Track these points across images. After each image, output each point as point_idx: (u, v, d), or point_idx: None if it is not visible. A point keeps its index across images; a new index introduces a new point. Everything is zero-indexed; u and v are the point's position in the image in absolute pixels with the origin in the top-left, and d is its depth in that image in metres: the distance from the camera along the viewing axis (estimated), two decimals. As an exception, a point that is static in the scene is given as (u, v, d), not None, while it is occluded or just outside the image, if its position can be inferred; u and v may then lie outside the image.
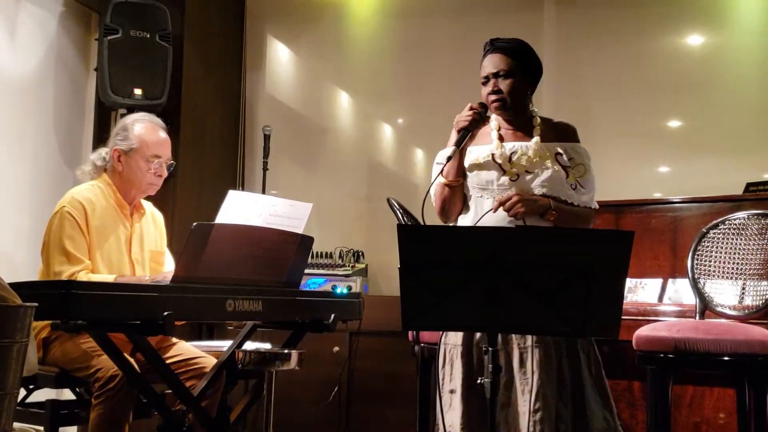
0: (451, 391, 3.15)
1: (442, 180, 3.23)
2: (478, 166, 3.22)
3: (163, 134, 3.66)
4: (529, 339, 3.04)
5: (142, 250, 3.63)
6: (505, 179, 3.16)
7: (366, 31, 6.33)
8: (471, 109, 3.17)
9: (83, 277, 3.27)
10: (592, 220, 3.26)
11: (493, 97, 3.20)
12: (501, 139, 3.25)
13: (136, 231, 3.63)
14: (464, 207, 3.27)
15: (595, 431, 3.03)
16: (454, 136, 3.19)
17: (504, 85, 3.20)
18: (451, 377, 3.17)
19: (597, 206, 3.28)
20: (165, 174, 3.65)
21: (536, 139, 3.22)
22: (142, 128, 3.61)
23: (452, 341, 3.18)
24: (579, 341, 3.10)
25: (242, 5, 6.45)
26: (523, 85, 3.24)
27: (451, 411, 3.13)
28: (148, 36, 5.13)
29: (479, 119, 3.16)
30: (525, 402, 3.01)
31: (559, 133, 3.27)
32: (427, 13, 6.14)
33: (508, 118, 3.27)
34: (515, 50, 3.24)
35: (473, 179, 3.22)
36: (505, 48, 3.24)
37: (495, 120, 3.29)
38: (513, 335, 3.06)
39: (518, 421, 3.01)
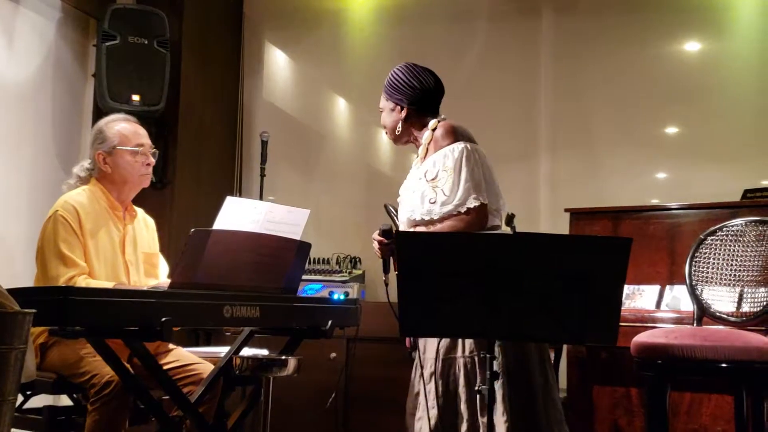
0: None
1: None
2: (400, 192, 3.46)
3: (139, 126, 3.69)
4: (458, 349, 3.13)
5: (135, 252, 3.63)
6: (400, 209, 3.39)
7: (364, 37, 6.33)
8: (378, 243, 3.31)
9: (82, 282, 3.28)
10: (466, 224, 3.16)
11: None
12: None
13: (129, 233, 3.62)
14: None
15: None
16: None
17: (382, 120, 3.46)
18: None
19: (473, 204, 3.16)
20: (152, 161, 3.65)
21: (416, 161, 3.39)
22: (117, 125, 3.64)
23: (431, 355, 3.23)
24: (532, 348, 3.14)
25: (240, 12, 6.46)
26: (393, 114, 3.43)
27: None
28: (146, 42, 5.13)
29: (389, 245, 3.25)
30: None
31: (434, 142, 3.33)
32: (425, 21, 6.14)
33: (415, 145, 3.45)
34: (388, 83, 3.45)
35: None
36: (385, 83, 3.47)
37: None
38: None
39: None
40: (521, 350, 3.12)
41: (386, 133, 3.47)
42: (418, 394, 3.24)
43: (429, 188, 3.20)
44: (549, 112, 5.65)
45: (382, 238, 3.25)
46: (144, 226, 3.75)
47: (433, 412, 3.07)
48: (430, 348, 3.22)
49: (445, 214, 3.17)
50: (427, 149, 3.33)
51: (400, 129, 3.40)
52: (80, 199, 3.49)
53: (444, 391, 3.15)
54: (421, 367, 3.24)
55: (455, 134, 3.26)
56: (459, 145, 3.22)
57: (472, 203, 3.16)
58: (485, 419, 2.91)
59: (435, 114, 3.40)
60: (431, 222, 3.20)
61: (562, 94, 5.72)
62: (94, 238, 3.45)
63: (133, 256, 3.60)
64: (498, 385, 2.98)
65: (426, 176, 3.23)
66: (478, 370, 3.10)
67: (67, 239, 3.35)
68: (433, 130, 3.33)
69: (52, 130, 5.22)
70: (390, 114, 3.42)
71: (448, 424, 3.10)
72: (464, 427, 3.08)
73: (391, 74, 3.43)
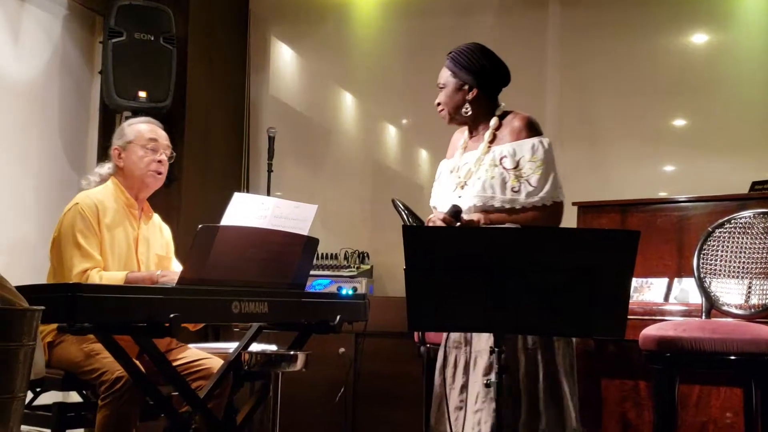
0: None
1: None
2: (439, 182, 3.37)
3: (158, 128, 3.74)
4: (518, 341, 3.07)
5: (149, 252, 3.66)
6: (455, 193, 3.25)
7: (370, 32, 6.33)
8: (447, 223, 3.14)
9: (95, 275, 3.31)
10: (545, 219, 3.15)
11: (437, 109, 3.33)
12: (465, 148, 3.34)
13: (143, 232, 3.65)
14: None
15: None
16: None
17: (442, 96, 3.31)
18: (473, 379, 3.17)
19: (559, 199, 3.17)
20: (163, 160, 3.67)
21: (482, 146, 3.24)
22: (137, 124, 3.72)
23: (478, 346, 3.18)
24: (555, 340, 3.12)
25: (246, 7, 6.46)
26: (460, 94, 3.28)
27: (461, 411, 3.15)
28: (152, 39, 5.14)
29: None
30: (472, 403, 3.04)
31: (511, 131, 3.24)
32: (431, 14, 6.14)
33: (469, 127, 3.34)
34: (458, 57, 3.30)
35: (435, 190, 3.36)
36: (450, 58, 3.33)
37: (467, 129, 3.37)
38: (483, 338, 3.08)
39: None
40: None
41: (443, 110, 3.31)
42: (464, 386, 3.16)
43: (511, 176, 3.14)
44: (556, 105, 5.64)
45: (451, 219, 3.11)
46: (159, 230, 3.79)
47: (493, 405, 3.01)
48: (477, 341, 3.14)
49: (528, 204, 3.12)
50: (495, 135, 3.27)
51: (468, 110, 3.28)
52: (100, 196, 3.55)
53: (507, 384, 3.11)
54: (467, 362, 3.17)
55: (538, 127, 3.24)
56: (546, 140, 3.19)
57: (558, 198, 3.15)
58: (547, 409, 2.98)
59: (496, 101, 3.33)
60: (513, 211, 3.12)
61: (568, 86, 5.71)
62: (111, 234, 3.50)
63: (145, 256, 3.63)
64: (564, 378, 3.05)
65: (503, 163, 3.16)
66: (540, 362, 3.08)
67: (84, 231, 3.39)
68: (500, 116, 3.26)
69: (58, 127, 5.23)
70: (456, 92, 3.28)
71: (510, 416, 3.06)
72: (523, 417, 3.06)
73: (463, 52, 3.29)
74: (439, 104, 3.32)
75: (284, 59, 6.55)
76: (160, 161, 3.65)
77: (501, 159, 3.17)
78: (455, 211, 3.12)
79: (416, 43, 6.15)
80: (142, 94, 5.09)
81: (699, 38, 5.61)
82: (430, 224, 3.14)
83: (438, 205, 3.33)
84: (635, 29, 5.60)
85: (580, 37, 5.78)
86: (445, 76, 3.31)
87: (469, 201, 3.17)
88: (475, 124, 3.30)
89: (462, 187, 3.23)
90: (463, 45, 3.33)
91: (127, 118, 5.30)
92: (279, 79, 6.48)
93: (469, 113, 3.28)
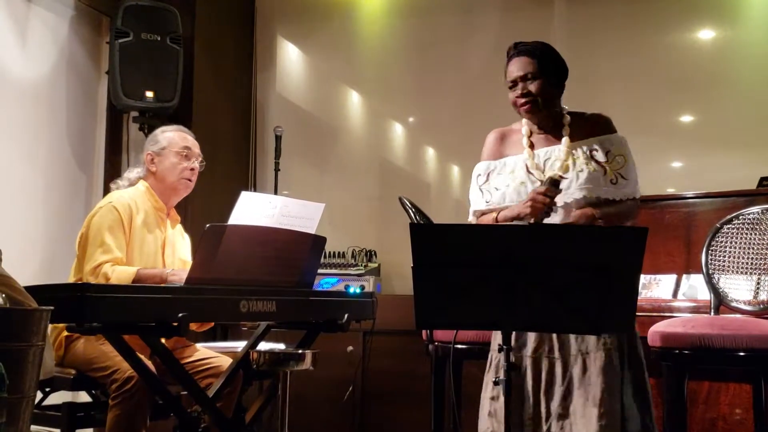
0: (492, 398, 3.12)
1: (490, 215, 3.20)
2: (513, 177, 3.21)
3: (190, 136, 3.82)
4: (591, 343, 3.01)
5: (174, 256, 3.70)
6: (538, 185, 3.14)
7: (376, 30, 6.33)
8: (547, 195, 3.02)
9: (108, 269, 3.32)
10: (636, 211, 3.23)
11: (522, 100, 3.17)
12: (532, 146, 3.24)
13: (169, 237, 3.70)
14: None
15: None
16: (519, 209, 3.08)
17: (533, 86, 3.17)
18: (494, 383, 3.12)
19: (639, 194, 3.23)
20: (196, 167, 3.74)
21: (565, 140, 3.19)
22: (171, 131, 3.78)
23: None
24: (627, 339, 3.08)
25: (252, 6, 6.46)
26: (551, 85, 3.22)
27: (493, 417, 3.10)
28: (159, 39, 5.15)
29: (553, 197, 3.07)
30: (587, 410, 2.97)
31: (592, 127, 3.23)
32: (437, 11, 6.14)
33: (538, 122, 3.24)
34: (540, 52, 3.23)
35: (510, 195, 3.18)
36: (529, 51, 3.22)
37: (526, 125, 3.28)
38: (572, 341, 3.03)
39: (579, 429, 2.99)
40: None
41: (534, 101, 3.18)
42: (566, 394, 3.07)
43: (608, 169, 3.16)
44: (562, 102, 5.63)
45: (553, 189, 3.02)
46: (181, 236, 3.84)
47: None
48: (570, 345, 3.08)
49: (625, 197, 3.16)
50: (569, 130, 3.23)
51: (557, 105, 3.27)
52: (133, 197, 3.59)
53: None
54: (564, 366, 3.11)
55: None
56: (623, 137, 3.25)
57: (639, 193, 3.23)
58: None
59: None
60: (614, 201, 3.14)
61: (574, 83, 5.66)
62: (141, 236, 3.53)
63: (171, 259, 3.67)
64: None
65: (595, 157, 3.16)
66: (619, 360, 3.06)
67: (113, 227, 3.42)
68: (569, 114, 3.25)
69: (66, 127, 5.24)
70: (549, 86, 3.21)
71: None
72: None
73: (548, 50, 3.27)
74: (529, 94, 3.17)
75: (291, 58, 6.55)
76: (192, 169, 3.71)
77: (592, 152, 3.18)
78: (554, 180, 3.04)
79: (422, 41, 6.15)
80: (149, 93, 5.10)
81: (706, 34, 5.60)
82: (530, 203, 3.02)
83: (505, 200, 3.19)
84: (641, 25, 5.59)
85: (586, 34, 5.77)
86: (532, 68, 3.20)
87: (572, 195, 3.11)
88: (549, 120, 3.25)
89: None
90: (535, 42, 3.28)
91: (134, 118, 5.33)
92: (285, 78, 6.49)
93: (557, 108, 3.26)
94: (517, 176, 3.21)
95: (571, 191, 3.11)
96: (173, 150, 3.69)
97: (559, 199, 3.07)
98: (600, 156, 3.17)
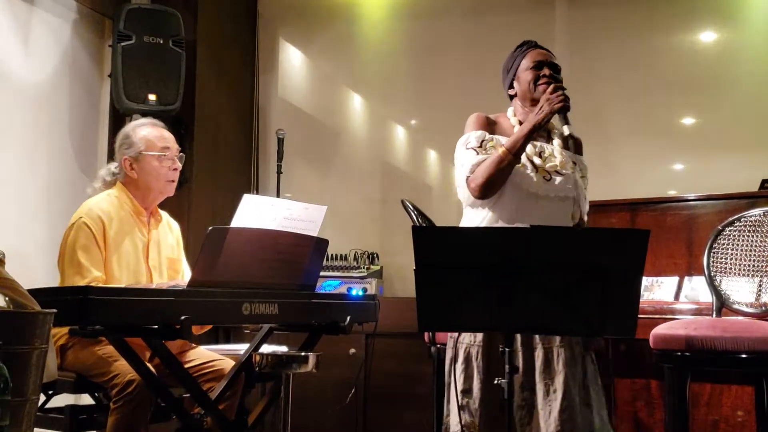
0: (464, 391, 3.14)
1: (504, 158, 3.14)
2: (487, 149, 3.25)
3: (165, 130, 3.67)
4: (555, 339, 3.05)
5: (160, 257, 3.64)
6: (539, 177, 3.18)
7: (378, 33, 6.33)
8: (557, 89, 3.18)
9: None
10: None
11: (558, 93, 3.19)
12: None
13: (153, 238, 3.63)
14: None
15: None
16: (532, 116, 3.17)
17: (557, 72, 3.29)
18: (466, 376, 3.16)
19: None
20: (179, 166, 3.64)
21: (558, 142, 3.27)
22: (144, 130, 3.63)
23: (468, 340, 3.18)
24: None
25: (254, 9, 6.47)
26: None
27: (464, 412, 3.13)
28: (162, 42, 5.15)
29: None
30: (549, 403, 3.01)
31: (575, 144, 3.37)
32: (439, 14, 6.14)
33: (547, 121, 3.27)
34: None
35: (512, 177, 3.21)
36: (548, 51, 3.38)
37: (513, 116, 3.32)
38: (536, 335, 3.06)
39: (539, 422, 3.01)
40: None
41: (561, 87, 3.26)
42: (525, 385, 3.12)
43: (582, 183, 3.29)
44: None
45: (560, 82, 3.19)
46: (168, 230, 3.76)
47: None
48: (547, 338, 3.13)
49: (584, 212, 3.28)
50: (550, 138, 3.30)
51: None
52: (105, 206, 3.48)
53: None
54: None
55: None
56: None
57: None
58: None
59: None
60: (582, 219, 3.28)
61: (576, 85, 5.65)
62: (118, 246, 3.46)
63: (156, 261, 3.61)
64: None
65: (577, 168, 3.28)
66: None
67: (86, 246, 3.35)
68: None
69: (68, 131, 5.25)
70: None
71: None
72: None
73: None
74: (563, 88, 3.23)
75: (293, 61, 6.56)
76: (175, 169, 3.62)
77: (574, 163, 3.29)
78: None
79: (424, 44, 6.16)
80: (152, 97, 5.10)
81: (707, 36, 5.60)
82: (545, 104, 3.16)
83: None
84: (643, 28, 5.60)
85: (587, 37, 5.78)
86: (553, 58, 3.35)
87: (560, 191, 3.18)
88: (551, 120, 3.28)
89: (548, 174, 3.20)
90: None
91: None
92: (288, 81, 6.49)
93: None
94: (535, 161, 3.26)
95: (566, 188, 3.18)
96: (152, 152, 3.56)
97: (552, 193, 3.15)
98: (577, 170, 3.29)
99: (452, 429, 3.16)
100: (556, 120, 3.28)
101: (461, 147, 3.27)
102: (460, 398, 3.14)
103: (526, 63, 3.31)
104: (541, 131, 3.26)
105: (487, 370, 3.11)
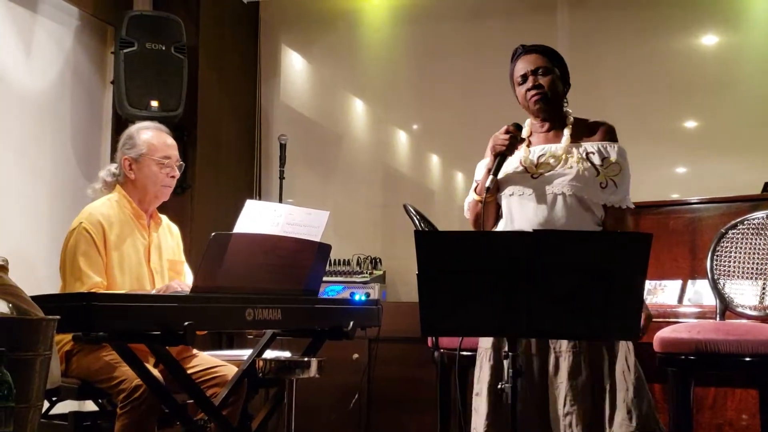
0: (476, 394, 3.16)
1: (474, 197, 3.28)
2: (506, 174, 3.26)
3: (168, 137, 3.69)
4: (564, 344, 3.05)
5: (161, 260, 3.65)
6: (533, 180, 3.19)
7: (379, 38, 6.34)
8: (507, 132, 3.19)
9: None
10: (627, 221, 3.25)
11: (533, 92, 3.24)
12: (529, 144, 3.30)
13: (154, 241, 3.64)
14: (497, 217, 3.30)
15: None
16: (489, 159, 3.23)
17: (544, 80, 3.25)
18: (478, 380, 3.18)
19: (632, 205, 3.25)
20: (177, 174, 3.66)
21: (566, 137, 3.24)
22: (148, 133, 3.64)
23: (483, 345, 3.19)
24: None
25: (256, 15, 6.48)
26: (559, 80, 3.29)
27: (475, 414, 3.14)
28: (164, 48, 5.16)
29: (515, 142, 3.20)
30: (559, 406, 3.01)
31: (593, 132, 3.29)
32: (440, 19, 6.15)
33: (543, 119, 3.30)
34: (549, 51, 3.32)
35: (503, 185, 3.26)
36: (539, 49, 3.31)
37: (528, 126, 3.33)
38: (551, 341, 3.06)
39: (552, 425, 3.02)
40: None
41: (545, 93, 3.25)
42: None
43: (600, 173, 3.19)
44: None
45: (513, 129, 3.18)
46: (168, 233, 3.77)
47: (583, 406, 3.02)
48: (555, 344, 3.13)
49: (608, 202, 3.19)
50: (572, 130, 3.28)
51: (564, 104, 3.34)
52: (105, 211, 3.49)
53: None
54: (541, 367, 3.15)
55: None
56: (624, 149, 3.28)
57: (629, 204, 3.24)
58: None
59: None
60: (597, 206, 3.19)
61: (578, 88, 5.67)
62: (119, 250, 3.46)
63: (158, 264, 3.62)
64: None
65: (591, 159, 3.20)
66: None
67: (87, 252, 3.35)
68: (575, 118, 3.30)
69: (71, 138, 5.25)
70: (559, 82, 3.30)
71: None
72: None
73: (554, 51, 3.35)
74: (541, 87, 3.24)
75: (295, 67, 6.57)
76: (173, 176, 3.63)
77: (588, 154, 3.21)
78: (517, 125, 3.21)
79: (425, 48, 6.16)
80: (154, 103, 5.11)
81: (709, 39, 5.60)
82: (495, 139, 3.19)
83: (511, 196, 3.26)
84: (644, 31, 5.60)
85: (589, 40, 5.78)
86: (542, 62, 3.28)
87: (558, 188, 3.16)
88: (555, 119, 3.30)
89: (540, 173, 3.21)
90: (541, 44, 3.36)
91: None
92: (290, 87, 6.50)
93: (564, 108, 3.32)
94: (511, 167, 3.27)
95: (555, 184, 3.16)
96: (153, 158, 3.58)
97: (548, 190, 3.15)
98: (596, 159, 3.21)
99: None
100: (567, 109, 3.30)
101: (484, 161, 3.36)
102: (473, 401, 3.16)
103: (515, 76, 3.32)
104: (550, 131, 3.29)
105: (495, 374, 3.11)
